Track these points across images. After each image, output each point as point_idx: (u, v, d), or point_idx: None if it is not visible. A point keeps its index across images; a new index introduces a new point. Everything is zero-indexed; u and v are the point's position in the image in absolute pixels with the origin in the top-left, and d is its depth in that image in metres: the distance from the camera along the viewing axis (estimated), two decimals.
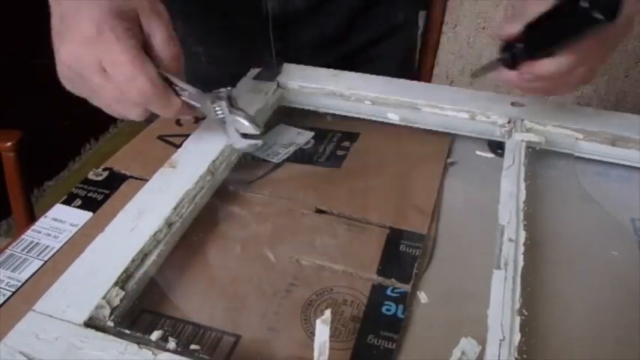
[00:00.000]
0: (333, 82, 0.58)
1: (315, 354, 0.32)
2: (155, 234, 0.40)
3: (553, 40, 0.42)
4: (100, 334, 0.32)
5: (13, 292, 0.39)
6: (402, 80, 0.58)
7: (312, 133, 0.57)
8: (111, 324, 0.34)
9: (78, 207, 0.47)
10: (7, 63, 1.44)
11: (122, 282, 0.37)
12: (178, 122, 0.57)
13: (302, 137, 0.57)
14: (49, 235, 0.44)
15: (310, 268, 0.42)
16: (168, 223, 0.41)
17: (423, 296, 0.40)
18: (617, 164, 0.52)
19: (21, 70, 1.48)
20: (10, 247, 0.43)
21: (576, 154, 0.52)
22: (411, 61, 0.90)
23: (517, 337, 0.33)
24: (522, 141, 0.50)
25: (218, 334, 0.36)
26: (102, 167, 0.52)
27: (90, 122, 1.89)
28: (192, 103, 0.44)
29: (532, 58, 0.43)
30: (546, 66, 0.42)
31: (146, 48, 0.42)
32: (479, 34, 1.20)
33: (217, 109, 0.46)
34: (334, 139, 0.57)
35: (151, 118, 0.47)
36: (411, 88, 0.57)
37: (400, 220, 0.46)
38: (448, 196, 0.50)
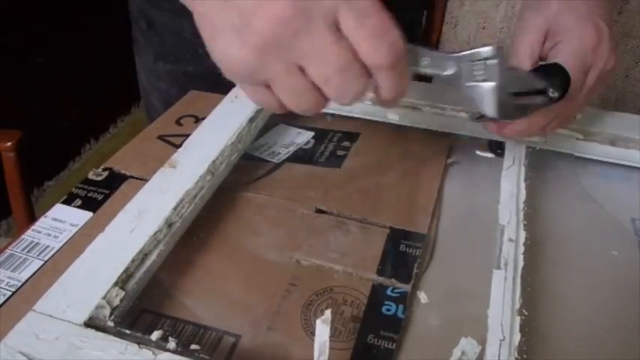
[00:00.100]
0: None
1: (315, 354, 0.32)
2: (155, 234, 0.40)
3: (521, 108, 0.43)
4: (100, 334, 0.32)
5: (13, 292, 0.39)
6: None
7: (312, 133, 0.57)
8: (111, 324, 0.34)
9: (78, 207, 0.47)
10: (7, 63, 1.44)
11: (122, 282, 0.37)
12: (179, 122, 0.57)
13: (302, 137, 0.57)
14: (49, 235, 0.44)
15: (310, 268, 0.42)
16: (168, 223, 0.41)
17: (423, 296, 0.40)
18: (618, 164, 0.52)
19: (21, 70, 1.48)
20: (10, 247, 0.43)
21: (576, 155, 0.52)
22: None
23: (517, 337, 0.33)
24: (522, 141, 0.50)
25: (218, 334, 0.36)
26: (102, 167, 0.52)
27: (90, 122, 1.89)
28: (432, 72, 0.38)
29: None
30: (520, 125, 0.45)
31: None
32: (479, 34, 1.20)
33: (477, 71, 0.38)
34: (334, 139, 0.57)
35: (152, 117, 0.47)
36: (411, 87, 0.57)
37: (400, 220, 0.46)
38: (448, 196, 0.50)
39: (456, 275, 0.42)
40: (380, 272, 0.41)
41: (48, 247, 0.43)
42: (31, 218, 0.96)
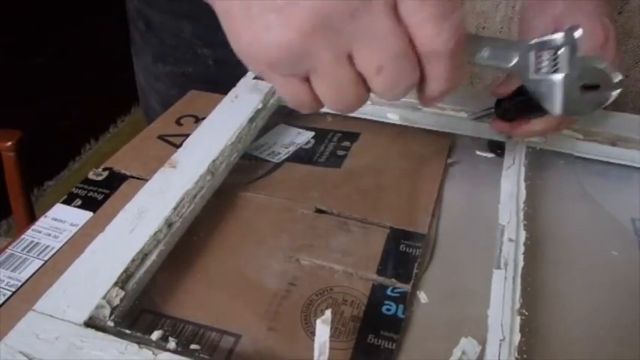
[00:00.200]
0: None
1: (315, 354, 0.32)
2: (155, 234, 0.40)
3: (535, 108, 0.39)
4: (100, 334, 0.32)
5: (13, 292, 0.39)
6: None
7: (312, 133, 0.57)
8: (111, 324, 0.34)
9: (78, 207, 0.47)
10: (7, 63, 1.44)
11: (122, 282, 0.37)
12: (178, 122, 0.57)
13: (302, 137, 0.57)
14: (49, 234, 0.44)
15: (310, 268, 0.42)
16: (168, 223, 0.41)
17: (423, 296, 0.40)
18: (617, 164, 0.52)
19: (21, 70, 1.48)
20: (10, 247, 0.43)
21: (576, 155, 0.52)
22: None
23: (517, 337, 0.33)
24: (522, 141, 0.50)
25: (218, 334, 0.36)
26: (102, 167, 0.52)
27: (90, 122, 1.89)
28: (492, 64, 0.34)
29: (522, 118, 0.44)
30: (536, 126, 0.44)
31: None
32: (479, 34, 1.20)
33: (545, 62, 0.34)
34: (334, 139, 0.57)
35: (150, 119, 0.47)
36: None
37: (400, 219, 0.46)
38: (448, 196, 0.50)
39: (456, 275, 0.42)
40: (380, 272, 0.41)
41: (48, 247, 0.43)
42: (31, 218, 0.96)
